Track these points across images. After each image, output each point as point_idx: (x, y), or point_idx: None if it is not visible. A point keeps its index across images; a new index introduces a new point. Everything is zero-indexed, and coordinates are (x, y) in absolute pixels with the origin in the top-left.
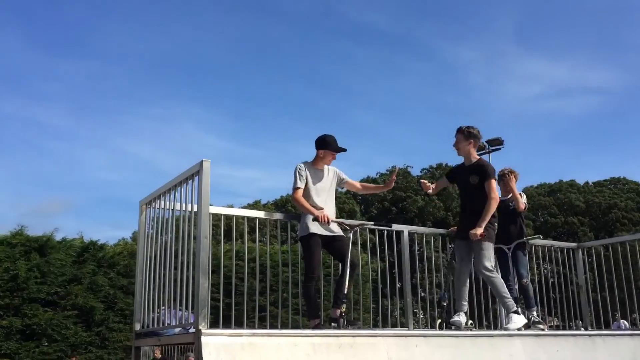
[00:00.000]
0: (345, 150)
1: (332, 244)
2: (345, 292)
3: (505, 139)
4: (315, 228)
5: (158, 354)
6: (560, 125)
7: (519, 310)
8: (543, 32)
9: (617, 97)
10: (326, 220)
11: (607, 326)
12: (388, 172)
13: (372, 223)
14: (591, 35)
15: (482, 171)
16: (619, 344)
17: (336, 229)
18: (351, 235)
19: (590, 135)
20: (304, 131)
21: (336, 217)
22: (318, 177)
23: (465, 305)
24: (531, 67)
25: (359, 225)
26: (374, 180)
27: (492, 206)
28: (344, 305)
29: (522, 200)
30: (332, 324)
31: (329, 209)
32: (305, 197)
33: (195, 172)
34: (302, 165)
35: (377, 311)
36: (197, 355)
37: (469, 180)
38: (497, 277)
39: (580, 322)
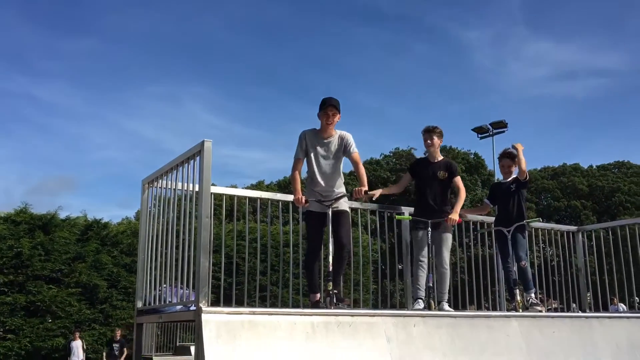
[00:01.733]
0: (331, 104)
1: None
2: (330, 270)
3: (510, 121)
4: (314, 206)
5: (118, 335)
6: (565, 108)
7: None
8: (550, 12)
9: (624, 79)
10: (301, 203)
11: (606, 309)
12: (391, 154)
13: (348, 194)
14: (598, 16)
15: (452, 168)
16: (615, 326)
17: (335, 205)
18: (329, 212)
19: (595, 118)
20: (308, 112)
21: (345, 191)
22: (321, 145)
23: (423, 292)
24: (537, 49)
25: (333, 199)
26: (377, 162)
27: (463, 198)
28: (330, 284)
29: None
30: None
31: (330, 180)
32: (309, 166)
33: (197, 152)
34: (304, 133)
35: (381, 292)
36: (197, 332)
37: (437, 175)
38: (449, 273)
39: (575, 304)
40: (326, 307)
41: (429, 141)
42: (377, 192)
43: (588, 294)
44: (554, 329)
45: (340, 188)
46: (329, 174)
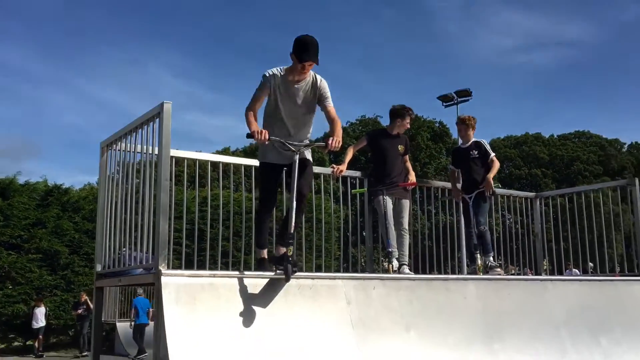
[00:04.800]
0: (311, 60)
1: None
2: (292, 230)
3: (475, 90)
4: (272, 156)
5: (83, 299)
6: (530, 77)
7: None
8: None
9: (589, 50)
10: (263, 138)
11: (561, 274)
12: (357, 122)
13: (323, 143)
14: None
15: (407, 145)
16: (568, 288)
17: (301, 155)
18: (297, 157)
19: (560, 89)
20: None
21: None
22: (291, 88)
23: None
24: (506, 18)
25: (304, 145)
26: (344, 129)
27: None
28: (291, 248)
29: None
30: (273, 264)
31: (298, 131)
32: (271, 112)
33: (156, 114)
34: (272, 71)
35: (346, 259)
36: (157, 295)
37: (397, 148)
38: (408, 236)
39: (529, 269)
40: (286, 274)
41: (406, 124)
42: (344, 166)
43: (545, 260)
44: (509, 291)
45: (306, 141)
46: (299, 123)
